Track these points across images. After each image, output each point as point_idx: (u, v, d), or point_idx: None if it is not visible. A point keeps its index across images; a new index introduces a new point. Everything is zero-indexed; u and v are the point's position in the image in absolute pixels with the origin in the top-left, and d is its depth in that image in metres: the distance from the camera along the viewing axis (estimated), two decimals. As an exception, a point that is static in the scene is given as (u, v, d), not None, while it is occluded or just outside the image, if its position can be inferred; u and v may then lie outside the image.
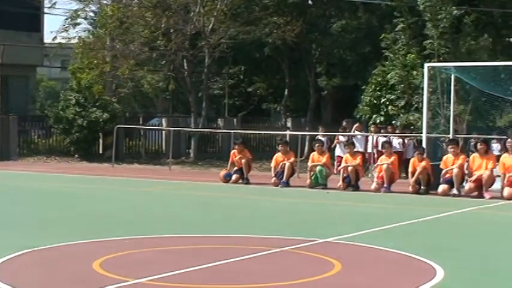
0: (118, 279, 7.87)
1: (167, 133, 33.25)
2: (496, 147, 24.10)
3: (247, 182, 21.86)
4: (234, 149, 22.91)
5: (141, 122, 38.01)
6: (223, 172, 22.64)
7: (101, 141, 33.19)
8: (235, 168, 22.23)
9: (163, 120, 37.00)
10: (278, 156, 21.79)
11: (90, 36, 38.61)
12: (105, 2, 35.21)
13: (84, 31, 41.39)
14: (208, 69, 35.17)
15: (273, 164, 21.85)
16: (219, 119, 39.37)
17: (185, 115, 38.87)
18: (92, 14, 39.46)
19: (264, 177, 23.07)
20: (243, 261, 9.16)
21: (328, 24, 37.85)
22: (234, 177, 22.00)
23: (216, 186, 21.38)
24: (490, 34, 31.65)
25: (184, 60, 34.44)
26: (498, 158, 19.28)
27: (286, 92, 40.02)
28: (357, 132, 26.29)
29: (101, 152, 33.23)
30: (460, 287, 8.04)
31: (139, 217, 14.04)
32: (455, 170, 18.89)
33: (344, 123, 27.56)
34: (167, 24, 33.08)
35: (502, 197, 18.15)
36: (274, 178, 21.41)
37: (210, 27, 33.21)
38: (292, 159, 21.61)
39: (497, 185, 18.78)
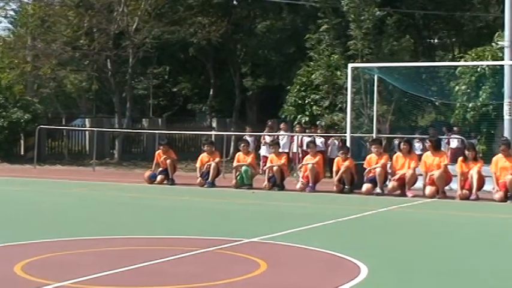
0: (40, 283, 7.72)
1: (91, 134, 32.88)
2: (418, 146, 24.51)
3: (173, 183, 21.75)
4: (159, 149, 22.78)
5: (63, 123, 37.47)
6: (148, 173, 22.48)
7: (22, 142, 32.61)
8: (160, 169, 22.10)
9: (87, 121, 36.57)
10: (203, 156, 21.74)
11: (11, 36, 37.89)
12: (26, 0, 34.63)
13: (4, 30, 40.71)
14: (133, 69, 34.91)
15: (198, 165, 21.79)
16: (144, 120, 39.13)
17: (109, 115, 38.49)
18: (12, 13, 38.77)
19: (190, 177, 23.00)
20: (168, 262, 9.08)
21: (253, 25, 37.96)
22: (159, 178, 21.86)
23: (141, 187, 21.21)
24: (411, 35, 32.22)
25: (108, 60, 34.11)
26: (420, 157, 19.61)
27: (211, 92, 39.99)
28: (282, 132, 26.41)
29: (22, 153, 32.65)
30: (384, 285, 8.12)
31: (62, 219, 13.81)
32: (378, 169, 19.14)
33: (269, 123, 27.66)
34: (90, 24, 32.73)
35: (423, 196, 18.46)
36: (199, 178, 21.36)
37: (134, 27, 32.97)
38: (217, 160, 21.59)
39: (419, 184, 19.10)
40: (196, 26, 35.23)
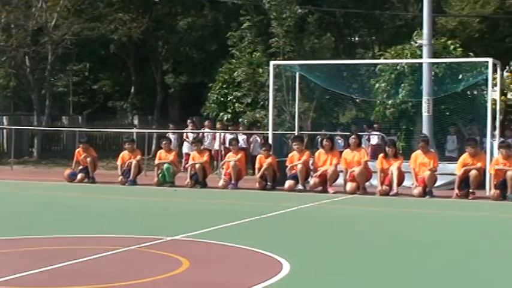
0: (-43, 284, 7.54)
1: (8, 132, 32.23)
2: (340, 143, 24.76)
3: (93, 181, 21.50)
4: (79, 147, 22.48)
5: (-20, 121, 36.64)
6: (68, 171, 22.17)
7: None
8: (81, 167, 21.82)
9: (4, 119, 35.84)
10: (125, 154, 21.55)
11: None
12: None
13: None
14: (52, 66, 34.35)
15: (119, 163, 21.59)
16: (64, 117, 38.53)
17: (28, 113, 37.77)
18: None
19: (111, 175, 22.78)
20: (89, 261, 8.96)
21: (175, 22, 37.75)
22: (79, 176, 21.58)
23: (60, 186, 20.90)
24: (332, 33, 32.56)
25: (26, 57, 33.53)
26: (342, 153, 19.82)
27: (132, 90, 39.64)
28: (204, 130, 26.34)
29: None
30: (306, 280, 8.16)
31: (-21, 219, 13.51)
32: (299, 166, 19.28)
33: (189, 121, 27.53)
34: (7, 19, 32.07)
35: (345, 192, 18.67)
36: (121, 177, 21.16)
37: (53, 23, 32.44)
38: (138, 157, 21.43)
39: (340, 180, 19.31)
40: (116, 22, 34.85)
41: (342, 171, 19.29)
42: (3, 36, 32.48)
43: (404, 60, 25.56)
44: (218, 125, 27.01)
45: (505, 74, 32.47)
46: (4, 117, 36.42)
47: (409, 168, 18.63)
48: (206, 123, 27.19)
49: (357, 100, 29.57)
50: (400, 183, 18.50)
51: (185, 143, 25.99)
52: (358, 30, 43.77)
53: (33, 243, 10.32)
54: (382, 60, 27.60)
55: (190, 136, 25.69)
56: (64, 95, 42.63)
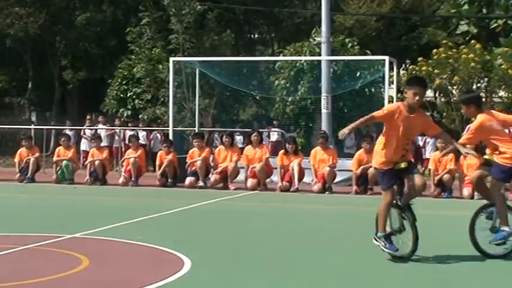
0: None
1: None
2: (239, 139, 24.90)
3: (-10, 179, 21.08)
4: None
5: None
6: (-37, 169, 21.64)
7: None
8: (-24, 164, 21.37)
9: None
10: (22, 151, 21.17)
11: None
12: None
13: None
14: None
15: (17, 160, 21.20)
16: (-42, 114, 37.49)
17: None
18: None
19: (8, 173, 22.34)
20: (-14, 261, 8.82)
21: (73, 17, 37.16)
22: (-25, 174, 21.11)
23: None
24: (232, 30, 32.65)
25: None
26: (242, 150, 19.95)
27: (30, 85, 38.85)
28: (101, 126, 26.06)
29: None
30: (207, 277, 8.22)
31: None
32: (199, 163, 19.31)
33: (88, 117, 27.21)
34: None
35: (246, 188, 18.80)
36: (18, 174, 20.79)
37: None
38: (37, 154, 21.09)
39: (241, 177, 19.42)
40: (13, 16, 34.12)
41: (242, 167, 19.41)
42: None
43: (303, 58, 25.90)
44: (117, 122, 26.78)
45: (401, 72, 33.25)
46: None
47: (308, 164, 18.89)
48: (100, 118, 26.88)
49: (257, 97, 29.79)
50: (300, 179, 18.72)
51: (83, 140, 25.66)
52: (258, 27, 44.04)
53: None
54: (281, 57, 27.91)
55: (88, 133, 25.39)
56: (-42, 91, 41.46)
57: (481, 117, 9.32)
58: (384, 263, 8.94)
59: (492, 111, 10.26)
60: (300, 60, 25.78)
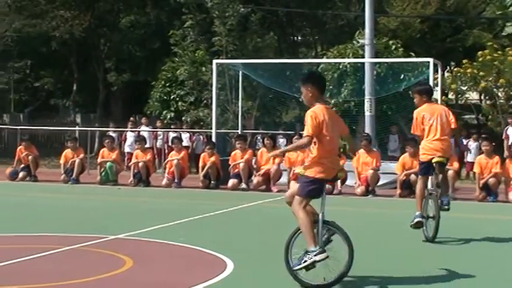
0: None
1: None
2: (282, 142, 24.86)
3: (35, 180, 21.29)
4: (20, 145, 22.25)
5: None
6: (9, 170, 21.91)
7: None
8: (22, 165, 21.61)
9: None
10: (67, 152, 21.37)
11: None
12: None
13: None
14: (-8, 63, 33.90)
15: (62, 161, 21.41)
16: (5, 115, 37.99)
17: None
18: None
19: (53, 174, 22.56)
20: (31, 260, 8.91)
21: (117, 20, 37.49)
22: (21, 174, 21.37)
23: (2, 184, 20.62)
24: (275, 32, 32.65)
25: (-34, 54, 33.04)
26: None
27: (75, 87, 39.26)
28: (145, 128, 26.21)
29: None
30: (249, 279, 8.22)
31: None
32: (241, 165, 19.34)
33: (131, 119, 27.39)
34: None
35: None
36: (63, 175, 20.99)
37: (-7, 19, 32.02)
38: (81, 156, 21.27)
39: (284, 179, 19.38)
40: (58, 19, 34.50)
41: (285, 170, 19.38)
42: None
43: (346, 60, 25.77)
44: (159, 124, 26.93)
45: (446, 74, 32.97)
46: None
47: (351, 167, 18.80)
48: (143, 120, 27.05)
49: (300, 99, 29.64)
50: (343, 182, 18.65)
51: (127, 142, 25.83)
52: (301, 29, 43.99)
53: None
54: (324, 60, 27.80)
55: (130, 135, 25.57)
56: (5, 92, 41.99)
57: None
58: (431, 266, 8.86)
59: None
60: (343, 63, 25.65)
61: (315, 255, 7.71)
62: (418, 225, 10.66)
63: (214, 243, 10.13)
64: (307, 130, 7.92)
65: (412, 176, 17.31)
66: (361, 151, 18.82)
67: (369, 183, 18.35)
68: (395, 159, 20.69)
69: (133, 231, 11.27)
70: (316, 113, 7.97)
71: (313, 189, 8.00)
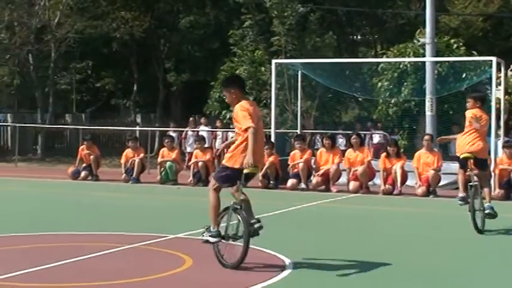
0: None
1: (13, 129, 32.27)
2: (342, 142, 24.75)
3: (97, 179, 21.54)
4: (82, 145, 22.55)
5: (-16, 118, 36.69)
6: (71, 169, 22.21)
7: None
8: (84, 164, 21.88)
9: (9, 116, 35.91)
10: (128, 152, 21.58)
11: None
12: None
13: None
14: (55, 64, 34.35)
15: (123, 160, 21.63)
16: (67, 115, 38.54)
17: (32, 111, 37.81)
18: None
19: (114, 173, 22.80)
20: (95, 258, 9.01)
21: (177, 20, 37.73)
22: (82, 174, 21.64)
23: (64, 183, 20.92)
24: (334, 32, 32.50)
25: (30, 55, 33.54)
26: (344, 152, 19.83)
27: (135, 88, 39.65)
28: (204, 128, 26.33)
29: None
30: (308, 279, 8.19)
31: (-17, 216, 13.55)
32: (301, 165, 19.30)
33: (191, 119, 27.53)
34: (11, 18, 32.10)
35: (347, 191, 18.66)
36: (124, 174, 21.21)
37: (56, 21, 32.48)
38: (142, 155, 21.45)
39: (343, 179, 19.30)
40: (119, 20, 34.88)
41: (344, 170, 19.29)
42: (7, 35, 32.51)
43: (407, 59, 25.54)
44: (218, 124, 27.02)
45: (509, 72, 32.44)
46: (8, 114, 36.50)
47: (411, 167, 18.62)
48: (202, 120, 27.16)
49: (360, 99, 29.55)
50: (403, 182, 18.50)
51: (187, 141, 25.98)
52: (361, 28, 43.72)
53: (41, 240, 10.37)
54: (384, 59, 27.56)
55: (190, 134, 25.71)
56: (67, 93, 42.64)
57: None
58: (496, 268, 8.74)
59: None
60: (404, 62, 25.42)
61: (210, 236, 8.75)
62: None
63: (273, 243, 10.11)
64: (247, 122, 8.50)
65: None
66: (422, 151, 18.65)
67: (430, 184, 18.14)
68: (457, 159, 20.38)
69: (194, 230, 11.31)
70: (243, 106, 8.69)
71: (228, 176, 8.89)
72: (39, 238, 10.56)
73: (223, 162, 8.91)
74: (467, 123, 11.91)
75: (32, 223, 12.53)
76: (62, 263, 8.61)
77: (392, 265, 9.00)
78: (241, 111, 8.62)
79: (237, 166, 8.68)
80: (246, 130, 8.49)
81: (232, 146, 8.72)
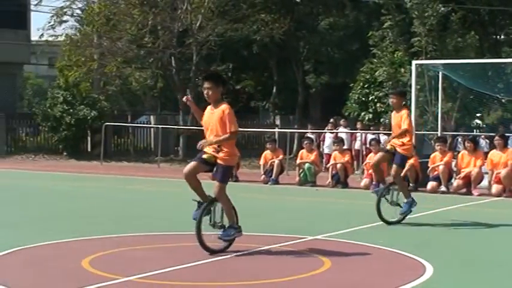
0: (107, 277, 7.86)
1: (155, 131, 33.20)
2: (484, 144, 24.18)
3: (237, 180, 21.83)
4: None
5: (129, 120, 37.92)
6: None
7: (89, 138, 33.13)
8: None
9: (152, 118, 36.97)
10: (267, 153, 21.80)
11: (77, 34, 38.42)
12: (91, -1, 35.17)
13: (71, 28, 41.07)
14: (196, 67, 35.08)
15: (262, 162, 21.87)
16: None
17: (174, 113, 38.79)
18: (78, 11, 39.25)
19: (253, 174, 23.08)
20: (230, 258, 9.17)
21: (316, 22, 37.85)
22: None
23: (205, 184, 21.26)
24: (476, 32, 31.75)
25: (172, 58, 34.37)
26: (486, 155, 19.38)
27: (274, 90, 40.03)
28: (343, 130, 26.29)
29: (89, 149, 33.16)
30: (448, 283, 8.07)
31: (129, 215, 14.01)
32: (441, 167, 18.98)
33: (331, 121, 27.56)
34: (154, 22, 33.00)
35: (490, 194, 18.22)
36: (263, 176, 21.44)
37: (197, 24, 33.16)
38: (281, 157, 21.63)
39: (485, 182, 18.85)
40: (259, 23, 35.26)
41: (486, 173, 18.84)
42: (150, 38, 33.44)
43: (553, 59, 24.71)
44: (358, 125, 26.93)
45: None
46: (151, 116, 37.57)
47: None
48: (341, 122, 27.13)
49: (503, 100, 28.79)
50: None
51: (325, 143, 26.01)
52: (504, 28, 42.47)
53: (183, 239, 10.60)
54: (529, 59, 26.77)
55: (328, 136, 25.71)
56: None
57: None
58: None
59: None
60: (550, 62, 24.62)
61: (238, 232, 9.67)
62: None
63: (413, 246, 10.02)
64: (236, 126, 9.93)
65: None
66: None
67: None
68: None
69: (331, 232, 11.34)
70: (231, 109, 9.76)
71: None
72: (183, 237, 10.79)
73: (222, 163, 10.24)
74: None
75: (175, 222, 12.86)
76: (204, 262, 8.81)
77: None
78: (233, 115, 9.89)
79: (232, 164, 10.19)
80: (232, 132, 9.92)
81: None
